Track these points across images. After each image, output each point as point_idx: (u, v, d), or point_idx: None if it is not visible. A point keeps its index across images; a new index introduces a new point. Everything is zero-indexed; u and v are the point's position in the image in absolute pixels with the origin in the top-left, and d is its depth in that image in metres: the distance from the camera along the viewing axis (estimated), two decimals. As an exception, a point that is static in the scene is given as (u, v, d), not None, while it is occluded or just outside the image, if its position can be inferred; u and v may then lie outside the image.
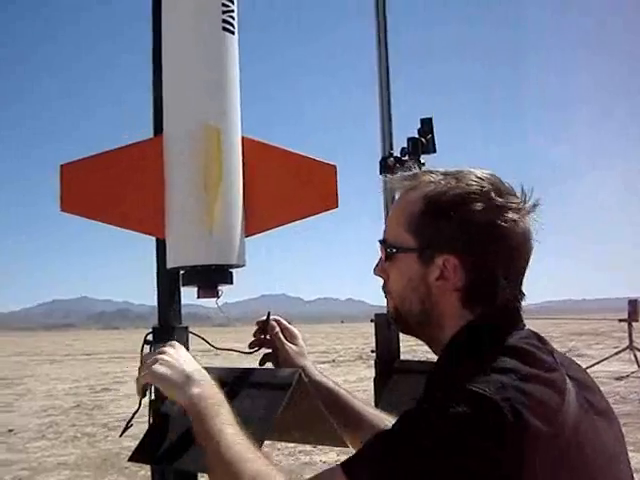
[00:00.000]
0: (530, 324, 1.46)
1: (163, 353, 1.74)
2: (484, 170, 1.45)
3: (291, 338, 1.88)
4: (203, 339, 2.49)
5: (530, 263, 1.44)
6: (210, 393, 1.62)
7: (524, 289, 1.46)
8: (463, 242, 1.37)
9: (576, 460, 1.24)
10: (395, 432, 1.23)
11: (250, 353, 2.25)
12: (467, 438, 1.15)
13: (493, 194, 1.39)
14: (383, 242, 1.51)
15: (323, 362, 24.22)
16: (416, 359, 3.50)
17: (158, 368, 1.70)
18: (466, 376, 1.23)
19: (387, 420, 1.80)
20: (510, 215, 1.37)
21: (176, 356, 1.73)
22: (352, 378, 18.28)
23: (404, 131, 3.53)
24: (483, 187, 1.39)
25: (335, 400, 1.87)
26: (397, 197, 1.52)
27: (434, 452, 1.15)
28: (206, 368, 2.38)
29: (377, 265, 1.55)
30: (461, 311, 1.42)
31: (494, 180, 1.42)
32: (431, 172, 1.47)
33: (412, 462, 1.16)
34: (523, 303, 1.45)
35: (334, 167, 2.49)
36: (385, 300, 3.56)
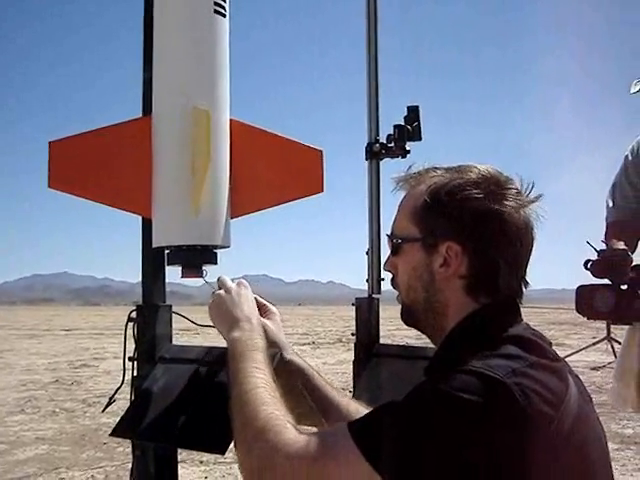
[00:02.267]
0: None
1: (228, 292, 1.85)
2: (485, 164, 1.49)
3: (269, 314, 1.93)
4: (186, 318, 2.53)
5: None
6: (248, 339, 1.68)
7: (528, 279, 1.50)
8: (464, 228, 1.41)
9: (577, 447, 1.28)
10: (407, 408, 1.25)
11: None
12: (479, 420, 1.17)
13: (493, 183, 1.43)
14: (390, 236, 1.56)
15: (303, 344, 24.28)
16: (395, 343, 3.54)
17: (214, 306, 1.85)
18: (473, 360, 1.27)
19: (358, 408, 1.83)
20: (509, 203, 1.41)
21: (236, 299, 1.82)
22: (331, 360, 18.34)
23: (391, 118, 3.55)
24: (483, 177, 1.44)
25: (306, 381, 1.90)
26: (403, 195, 1.56)
27: (444, 432, 1.18)
28: (184, 347, 2.42)
29: (387, 260, 1.59)
30: (465, 299, 1.45)
31: (494, 172, 1.47)
32: (435, 169, 1.52)
33: (422, 441, 1.19)
34: (525, 291, 1.49)
35: (320, 152, 2.51)
36: (366, 285, 3.60)
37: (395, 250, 1.54)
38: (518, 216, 1.42)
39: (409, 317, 1.55)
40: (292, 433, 1.34)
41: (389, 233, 1.57)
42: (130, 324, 2.46)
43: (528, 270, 1.49)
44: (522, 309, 1.50)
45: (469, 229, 1.41)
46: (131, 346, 2.45)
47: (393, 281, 1.59)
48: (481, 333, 1.39)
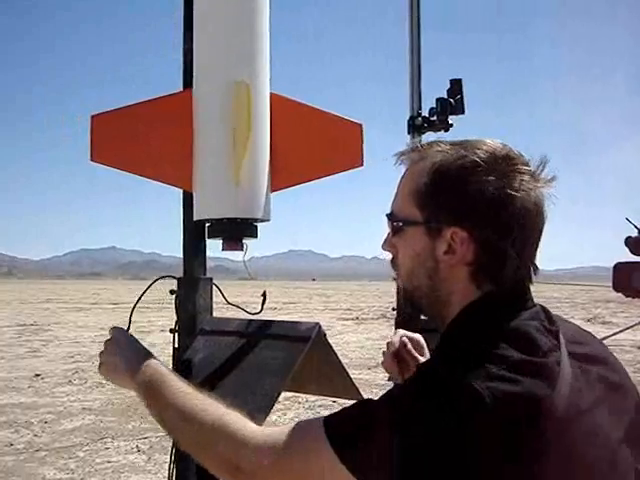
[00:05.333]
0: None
1: (101, 356, 1.80)
2: (495, 140, 1.38)
3: (419, 349, 1.84)
4: (220, 291, 2.55)
5: (542, 238, 1.38)
6: (147, 374, 1.63)
7: (537, 263, 1.39)
8: (471, 214, 1.31)
9: (567, 446, 1.18)
10: (379, 406, 1.20)
11: (257, 313, 2.30)
12: (445, 423, 1.12)
13: (503, 163, 1.32)
14: (390, 216, 1.44)
15: (346, 319, 24.34)
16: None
17: (102, 372, 1.81)
18: (455, 361, 1.21)
19: None
20: (521, 185, 1.30)
21: (111, 359, 1.77)
22: (375, 336, 18.37)
23: (434, 91, 3.51)
24: (492, 156, 1.32)
25: None
26: (404, 170, 1.44)
27: (411, 433, 1.14)
28: (223, 319, 2.43)
29: (385, 240, 1.47)
30: (470, 287, 1.35)
31: (504, 149, 1.35)
32: (439, 143, 1.40)
33: (387, 438, 1.14)
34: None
35: (360, 126, 2.50)
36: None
37: (395, 231, 1.43)
38: (529, 198, 1.31)
39: (411, 303, 1.45)
40: (253, 427, 1.32)
41: (388, 213, 1.45)
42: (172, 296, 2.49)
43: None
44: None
45: (476, 214, 1.30)
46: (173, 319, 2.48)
47: (392, 261, 1.47)
48: (475, 327, 1.31)
